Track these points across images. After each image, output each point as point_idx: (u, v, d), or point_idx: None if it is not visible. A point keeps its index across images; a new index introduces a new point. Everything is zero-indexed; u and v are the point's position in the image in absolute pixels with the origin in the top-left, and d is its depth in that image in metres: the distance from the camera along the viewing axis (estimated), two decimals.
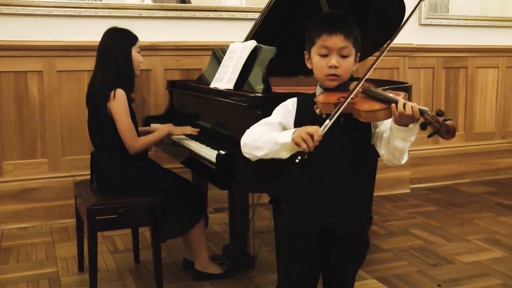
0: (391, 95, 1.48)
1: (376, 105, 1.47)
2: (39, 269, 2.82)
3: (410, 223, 3.56)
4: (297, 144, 1.41)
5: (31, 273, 2.76)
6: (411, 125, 1.43)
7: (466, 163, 4.70)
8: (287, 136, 1.46)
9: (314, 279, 1.67)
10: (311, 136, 1.39)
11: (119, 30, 2.65)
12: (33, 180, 3.51)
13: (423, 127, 1.38)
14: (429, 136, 1.40)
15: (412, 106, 1.39)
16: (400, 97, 1.44)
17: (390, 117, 1.45)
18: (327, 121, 1.42)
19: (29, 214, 3.49)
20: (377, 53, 3.18)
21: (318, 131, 1.40)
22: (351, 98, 1.48)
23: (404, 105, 1.40)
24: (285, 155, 1.52)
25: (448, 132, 1.36)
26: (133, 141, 2.54)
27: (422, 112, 1.38)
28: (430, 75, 4.54)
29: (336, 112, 1.45)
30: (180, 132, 2.67)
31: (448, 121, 1.35)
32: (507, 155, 4.88)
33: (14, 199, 3.46)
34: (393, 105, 1.42)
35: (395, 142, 1.47)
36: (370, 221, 3.39)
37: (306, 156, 1.39)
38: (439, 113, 1.36)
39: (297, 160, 1.39)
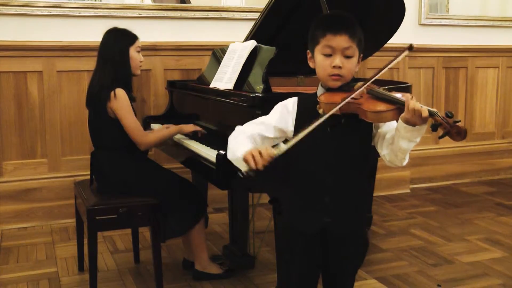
0: (397, 95, 1.47)
1: (383, 106, 1.46)
2: (39, 269, 2.82)
3: (410, 223, 3.56)
4: (246, 161, 1.42)
5: (31, 273, 2.76)
6: (418, 126, 1.42)
7: (466, 163, 4.70)
8: (241, 151, 1.47)
9: (314, 279, 1.67)
10: (260, 154, 1.40)
11: (118, 30, 2.65)
12: (33, 180, 3.51)
13: (434, 128, 1.38)
14: (440, 138, 1.40)
15: (421, 108, 1.38)
16: (408, 98, 1.44)
17: (397, 119, 1.45)
18: (283, 145, 1.42)
19: (29, 214, 3.49)
20: (378, 53, 3.18)
21: (269, 150, 1.41)
22: (356, 99, 1.48)
23: (414, 107, 1.39)
24: (243, 167, 1.50)
25: (459, 134, 1.35)
26: (143, 137, 2.54)
27: (432, 114, 1.38)
28: (430, 75, 4.54)
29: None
30: (189, 130, 2.64)
31: (458, 123, 1.35)
32: (507, 155, 4.88)
33: (14, 199, 3.46)
34: (407, 103, 1.41)
35: (400, 142, 1.46)
36: (370, 221, 3.38)
37: (246, 174, 1.41)
38: (449, 115, 1.36)
39: (240, 174, 1.43)
